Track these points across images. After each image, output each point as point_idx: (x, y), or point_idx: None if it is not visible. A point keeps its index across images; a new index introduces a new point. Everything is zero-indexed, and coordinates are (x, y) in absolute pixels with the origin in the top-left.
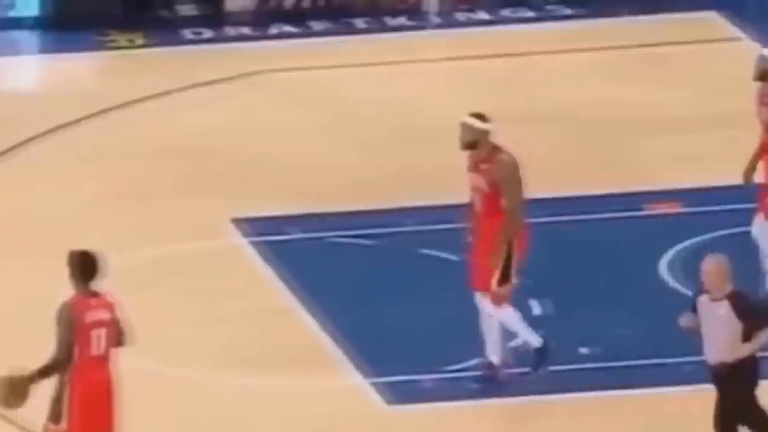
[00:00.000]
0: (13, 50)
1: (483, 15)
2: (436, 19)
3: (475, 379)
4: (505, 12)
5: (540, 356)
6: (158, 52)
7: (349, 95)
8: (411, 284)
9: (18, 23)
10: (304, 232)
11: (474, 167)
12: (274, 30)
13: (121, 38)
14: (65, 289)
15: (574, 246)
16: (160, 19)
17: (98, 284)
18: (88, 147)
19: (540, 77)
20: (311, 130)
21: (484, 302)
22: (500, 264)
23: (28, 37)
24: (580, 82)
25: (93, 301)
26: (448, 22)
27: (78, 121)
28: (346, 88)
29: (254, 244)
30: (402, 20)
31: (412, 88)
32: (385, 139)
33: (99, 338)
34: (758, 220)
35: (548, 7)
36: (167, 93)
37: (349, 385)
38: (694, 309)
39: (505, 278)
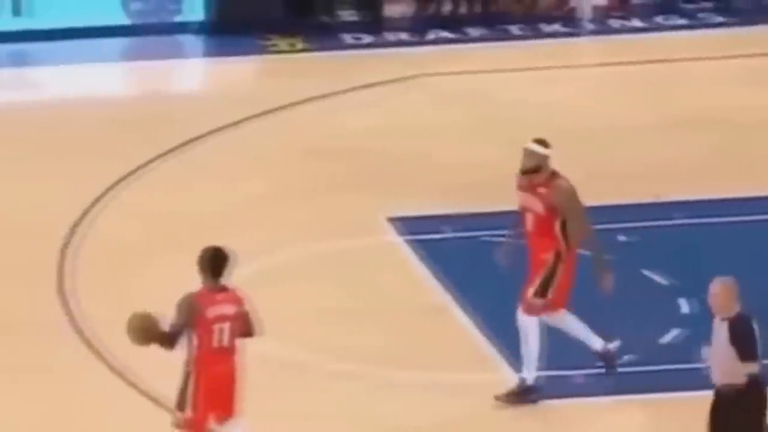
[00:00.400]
0: (179, 54)
1: (636, 22)
2: (590, 26)
3: (623, 374)
4: (658, 19)
5: (522, 391)
6: (318, 56)
7: (503, 98)
8: None
9: (183, 28)
10: (457, 231)
11: (531, 189)
12: (431, 35)
13: (282, 42)
14: None
15: (724, 248)
16: (320, 25)
17: (227, 280)
18: (249, 147)
19: (691, 83)
20: (466, 131)
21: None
22: (543, 276)
23: (193, 41)
24: (730, 88)
25: (219, 297)
26: (602, 29)
27: (239, 122)
28: (501, 91)
29: (409, 242)
30: (556, 27)
31: (565, 93)
32: None
33: (221, 332)
34: None
35: (700, 15)
36: (327, 95)
37: (500, 380)
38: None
39: (542, 292)
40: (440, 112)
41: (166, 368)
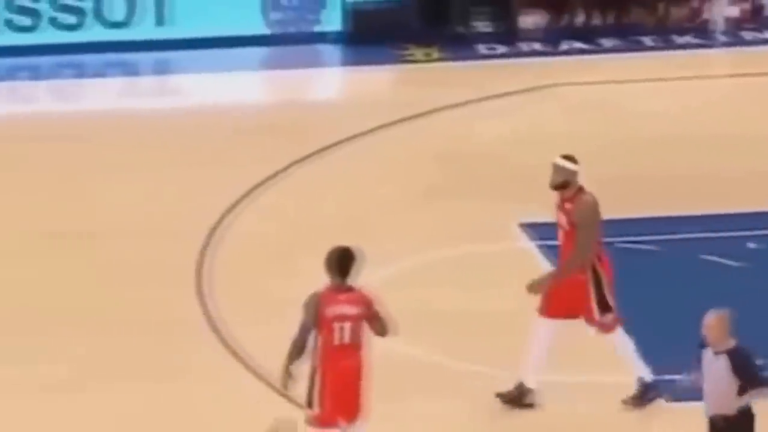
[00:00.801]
0: (317, 63)
1: None
2: (722, 38)
3: None
4: None
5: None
6: (453, 65)
7: (635, 108)
8: (692, 288)
9: (322, 38)
10: None
11: (559, 204)
12: (564, 46)
13: (418, 52)
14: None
15: None
16: (456, 35)
17: (354, 280)
18: (384, 154)
19: None
20: (597, 140)
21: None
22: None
23: (331, 51)
24: None
25: (342, 296)
26: (734, 41)
27: (374, 129)
28: (633, 101)
29: (540, 247)
30: (688, 38)
31: (697, 103)
32: (669, 149)
33: (342, 330)
34: None
35: None
36: (461, 104)
37: (629, 382)
38: (698, 361)
39: (605, 307)
40: (572, 120)
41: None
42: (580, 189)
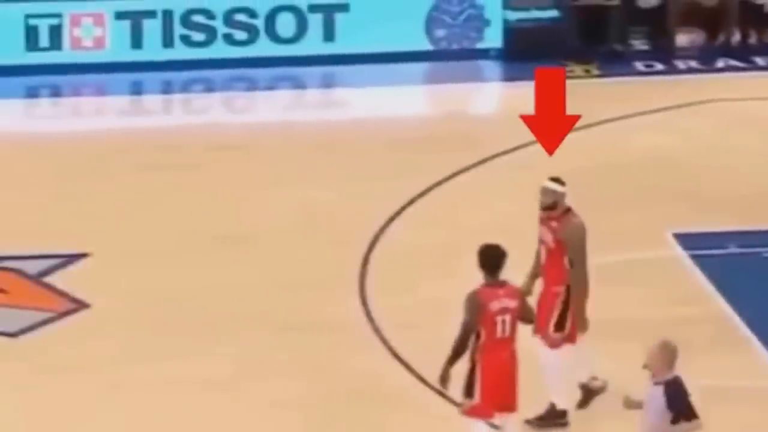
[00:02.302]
0: (478, 78)
1: None
2: None
3: None
4: None
5: (552, 416)
6: (611, 81)
7: None
8: None
9: (484, 54)
10: (741, 246)
11: (545, 222)
12: (720, 63)
13: (578, 69)
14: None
15: None
16: (614, 53)
17: (504, 274)
18: (542, 165)
19: None
20: (752, 154)
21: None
22: (559, 310)
23: (492, 67)
24: None
25: (501, 291)
26: None
27: (534, 142)
28: None
29: (693, 257)
30: None
31: None
32: None
33: (504, 323)
34: None
35: None
36: (618, 118)
37: None
38: None
39: (560, 326)
40: (727, 135)
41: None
42: (568, 209)
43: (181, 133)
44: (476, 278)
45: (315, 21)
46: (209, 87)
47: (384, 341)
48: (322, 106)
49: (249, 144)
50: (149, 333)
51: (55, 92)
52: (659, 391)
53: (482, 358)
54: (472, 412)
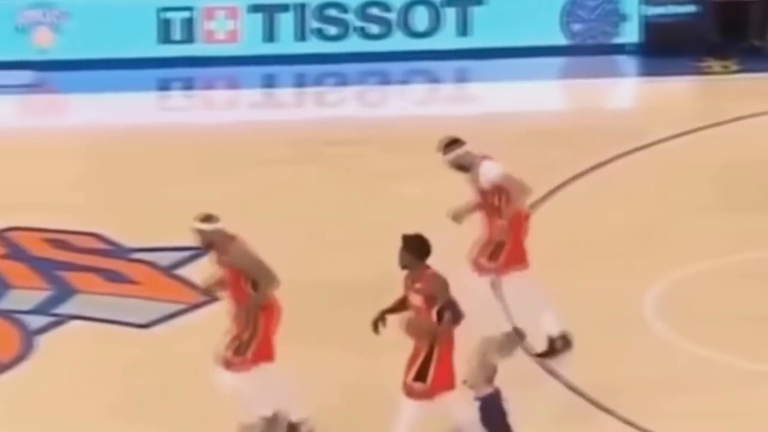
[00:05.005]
0: (615, 73)
1: None
2: None
3: None
4: None
5: None
6: (751, 77)
7: None
8: None
9: (620, 49)
10: None
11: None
12: None
13: (716, 64)
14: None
15: None
16: (752, 48)
17: None
18: (679, 161)
19: None
20: None
21: None
22: None
23: (629, 62)
24: None
25: None
26: None
27: (670, 137)
28: None
29: None
30: None
31: None
32: None
33: None
34: None
35: None
36: (757, 114)
37: None
38: None
39: (239, 351)
40: None
41: (588, 362)
42: (231, 238)
43: (314, 127)
44: (607, 275)
45: (449, 16)
46: (342, 81)
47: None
48: (456, 100)
49: (381, 138)
50: (281, 325)
51: (188, 85)
52: (476, 406)
53: (441, 343)
54: (419, 395)
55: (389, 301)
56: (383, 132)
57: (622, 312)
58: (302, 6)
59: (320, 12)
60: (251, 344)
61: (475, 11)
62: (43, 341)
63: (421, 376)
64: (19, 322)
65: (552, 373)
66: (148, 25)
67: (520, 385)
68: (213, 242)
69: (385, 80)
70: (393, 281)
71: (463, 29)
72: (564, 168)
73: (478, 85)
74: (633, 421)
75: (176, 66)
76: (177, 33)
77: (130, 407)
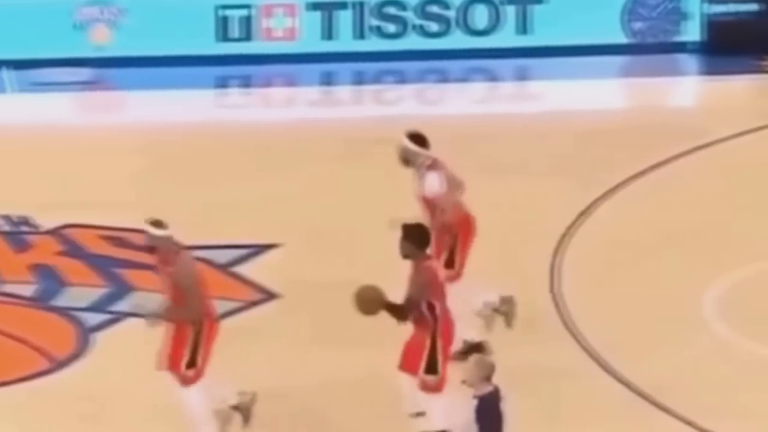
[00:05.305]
0: (676, 71)
1: None
2: None
3: None
4: None
5: None
6: None
7: None
8: None
9: (681, 47)
10: None
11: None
12: None
13: None
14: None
15: None
16: None
17: None
18: (739, 160)
19: None
20: None
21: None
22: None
23: (690, 60)
24: None
25: (437, 262)
26: None
27: (731, 137)
28: None
29: None
30: None
31: None
32: None
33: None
34: None
35: None
36: None
37: None
38: None
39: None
40: None
41: (647, 361)
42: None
43: (374, 126)
44: (667, 274)
45: (509, 13)
46: (401, 79)
47: (575, 336)
48: (515, 98)
49: (442, 136)
50: (337, 323)
51: (245, 83)
52: (474, 404)
53: (442, 331)
54: (435, 388)
55: None
56: (441, 129)
57: (681, 311)
58: (361, 4)
59: (379, 10)
60: (198, 353)
61: (536, 9)
62: (99, 338)
63: (431, 368)
64: (76, 320)
65: (610, 371)
66: (206, 23)
67: (578, 382)
68: (157, 248)
69: (443, 78)
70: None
71: (523, 27)
72: (624, 167)
73: (538, 84)
74: (693, 420)
75: (234, 64)
76: (235, 31)
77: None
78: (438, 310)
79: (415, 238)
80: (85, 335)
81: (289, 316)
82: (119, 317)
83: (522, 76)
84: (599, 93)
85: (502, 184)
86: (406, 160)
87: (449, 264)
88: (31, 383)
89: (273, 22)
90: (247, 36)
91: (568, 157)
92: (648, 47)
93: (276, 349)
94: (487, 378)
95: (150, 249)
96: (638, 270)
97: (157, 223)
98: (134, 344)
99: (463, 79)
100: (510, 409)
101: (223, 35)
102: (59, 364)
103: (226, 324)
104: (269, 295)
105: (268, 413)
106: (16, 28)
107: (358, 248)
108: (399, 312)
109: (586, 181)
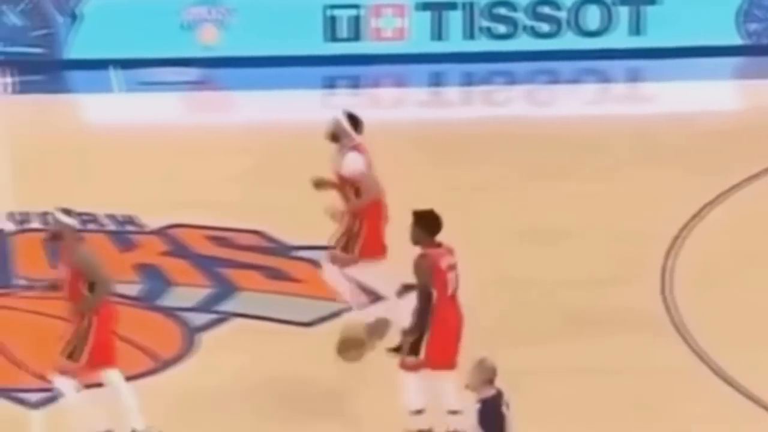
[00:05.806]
0: None
1: None
2: None
3: None
4: None
5: None
6: None
7: None
8: None
9: None
10: None
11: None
12: None
13: None
14: None
15: None
16: None
17: None
18: None
19: None
20: None
21: None
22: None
23: None
24: None
25: (443, 249)
26: None
27: None
28: None
29: None
30: None
31: None
32: None
33: (452, 280)
34: None
35: None
36: None
37: None
38: None
39: (74, 355)
40: None
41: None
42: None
43: (479, 125)
44: None
45: (621, 14)
46: (511, 80)
47: (685, 338)
48: (628, 100)
49: (552, 136)
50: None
51: (354, 83)
52: (476, 408)
53: (434, 318)
54: (412, 367)
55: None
56: (553, 131)
57: None
58: (471, 4)
59: (489, 10)
60: (84, 349)
61: (649, 11)
62: (204, 338)
63: (414, 350)
64: (181, 320)
65: (719, 373)
66: (315, 23)
67: (687, 384)
68: (62, 235)
69: (554, 79)
70: (571, 278)
71: (636, 29)
72: (738, 169)
73: (651, 85)
74: None
75: (342, 64)
76: (344, 31)
77: (291, 405)
78: (435, 299)
79: (425, 224)
80: (190, 335)
81: (395, 318)
82: (224, 317)
83: (634, 77)
84: (713, 95)
85: (614, 186)
86: (335, 135)
87: (345, 248)
88: (137, 383)
89: (382, 23)
90: (355, 36)
91: (680, 159)
92: (763, 49)
93: (377, 351)
94: (490, 381)
95: (54, 236)
96: (750, 274)
97: (67, 212)
98: (239, 344)
99: (575, 81)
100: (616, 409)
101: (332, 35)
102: (164, 364)
103: (332, 325)
104: (375, 297)
105: (378, 410)
106: (124, 28)
107: (476, 251)
108: (414, 329)
109: (700, 183)
